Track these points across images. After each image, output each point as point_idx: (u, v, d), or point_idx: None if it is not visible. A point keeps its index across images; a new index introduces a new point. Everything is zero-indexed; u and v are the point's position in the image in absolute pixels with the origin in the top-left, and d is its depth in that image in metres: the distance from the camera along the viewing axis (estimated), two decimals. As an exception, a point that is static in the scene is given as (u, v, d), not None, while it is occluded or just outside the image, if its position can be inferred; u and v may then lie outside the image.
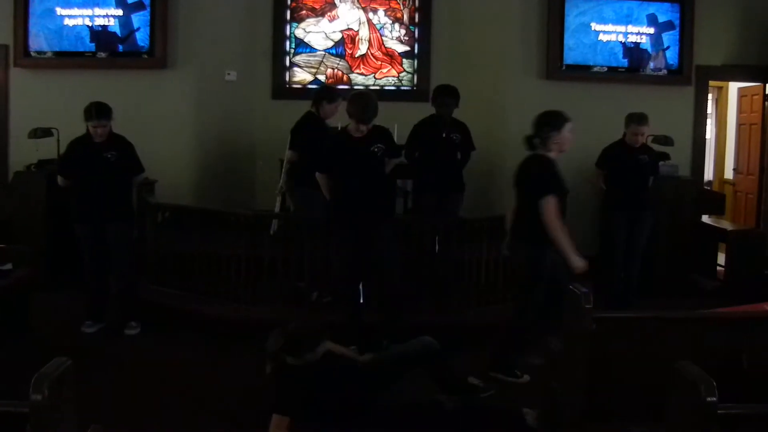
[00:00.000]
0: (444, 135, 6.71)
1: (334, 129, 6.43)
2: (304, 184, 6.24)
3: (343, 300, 5.92)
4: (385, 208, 5.84)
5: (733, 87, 10.48)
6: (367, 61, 9.13)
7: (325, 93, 6.67)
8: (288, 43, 9.15)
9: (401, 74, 9.21)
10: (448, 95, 6.77)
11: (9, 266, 5.83)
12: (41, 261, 6.86)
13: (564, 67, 8.60)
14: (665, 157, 7.79)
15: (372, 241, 5.62)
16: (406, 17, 9.20)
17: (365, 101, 5.59)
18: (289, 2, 9.13)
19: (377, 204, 5.69)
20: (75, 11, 8.48)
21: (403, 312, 5.86)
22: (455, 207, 6.84)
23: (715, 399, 2.43)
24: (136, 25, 8.49)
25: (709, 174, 10.65)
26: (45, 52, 8.51)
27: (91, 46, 8.51)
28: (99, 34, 8.51)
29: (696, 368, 2.56)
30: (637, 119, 6.90)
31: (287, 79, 9.22)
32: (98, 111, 5.99)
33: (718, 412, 2.44)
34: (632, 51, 8.84)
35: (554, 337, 4.13)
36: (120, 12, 8.48)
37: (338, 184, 5.72)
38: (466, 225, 6.50)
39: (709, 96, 9.73)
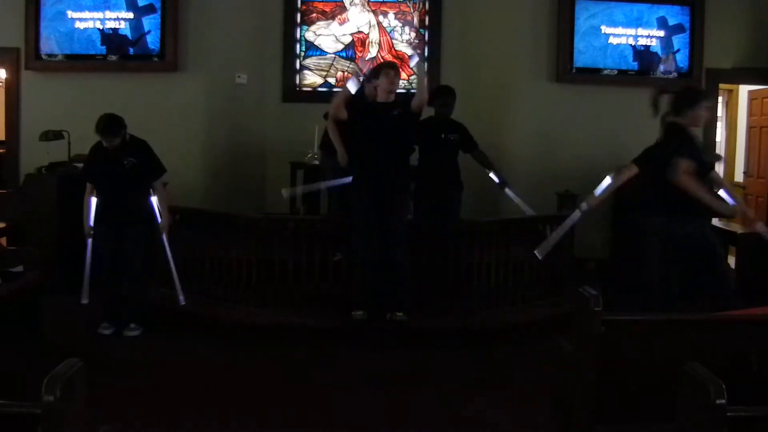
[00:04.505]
0: (443, 135, 6.71)
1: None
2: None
3: (358, 264, 6.15)
4: (403, 174, 6.12)
5: (744, 90, 10.45)
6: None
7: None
8: (298, 46, 9.19)
9: (411, 77, 9.22)
10: (448, 95, 6.77)
11: (20, 268, 5.85)
12: (52, 263, 6.88)
13: (574, 70, 8.60)
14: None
15: (387, 208, 5.94)
16: (416, 20, 9.22)
17: (391, 65, 6.29)
18: (299, 5, 9.17)
19: (396, 169, 6.01)
20: (86, 14, 8.54)
21: (409, 284, 6.13)
22: (455, 207, 6.83)
23: (724, 401, 2.43)
24: (146, 28, 8.53)
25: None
26: (56, 55, 8.55)
27: (102, 49, 8.56)
28: (110, 37, 8.55)
29: (705, 370, 2.56)
30: None
31: (297, 82, 9.26)
32: (106, 128, 5.98)
33: (728, 414, 2.44)
34: (642, 54, 8.83)
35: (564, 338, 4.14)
36: (131, 15, 8.52)
37: (362, 149, 6.06)
38: (476, 227, 6.50)
39: (720, 99, 9.72)
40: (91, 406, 2.44)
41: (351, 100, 6.13)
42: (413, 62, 6.12)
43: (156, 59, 8.56)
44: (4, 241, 7.55)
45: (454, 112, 6.88)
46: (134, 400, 4.82)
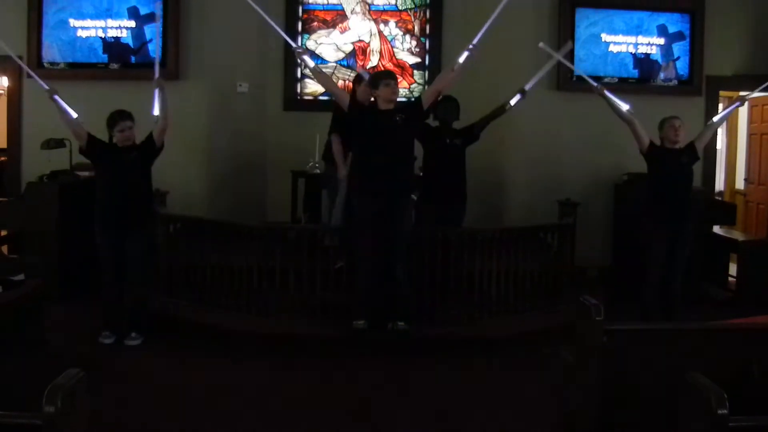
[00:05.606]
0: (448, 141, 6.70)
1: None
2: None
3: (360, 273, 6.13)
4: (405, 181, 6.08)
5: (744, 97, 10.45)
6: (378, 73, 9.17)
7: (354, 78, 7.10)
8: (299, 54, 9.19)
9: (412, 86, 9.24)
10: (451, 103, 6.75)
11: (21, 277, 5.84)
12: (53, 272, 6.88)
13: (574, 78, 8.59)
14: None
15: (389, 216, 5.92)
16: (417, 29, 9.23)
17: (392, 75, 6.21)
18: (300, 14, 9.19)
19: (399, 176, 5.96)
20: (88, 23, 8.57)
21: (410, 294, 6.11)
22: (458, 218, 6.79)
23: (726, 411, 2.42)
24: (148, 36, 8.55)
25: (720, 184, 10.63)
26: (58, 63, 8.57)
27: (104, 58, 8.58)
28: (112, 46, 8.58)
29: (707, 380, 2.56)
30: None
31: (298, 90, 9.27)
32: (121, 113, 6.09)
33: (730, 424, 2.43)
34: (642, 62, 8.85)
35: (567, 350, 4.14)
36: (133, 24, 8.54)
37: (364, 157, 6.01)
38: (477, 236, 6.49)
39: (720, 106, 9.71)
40: (92, 417, 2.44)
41: (355, 107, 6.12)
42: (463, 56, 6.07)
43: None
44: (5, 249, 7.56)
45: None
46: (136, 410, 4.81)
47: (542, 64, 8.48)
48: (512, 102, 6.82)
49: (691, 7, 8.84)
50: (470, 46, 6.03)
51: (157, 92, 6.25)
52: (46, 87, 6.09)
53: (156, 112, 6.24)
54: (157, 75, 6.33)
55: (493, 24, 6.16)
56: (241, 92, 8.92)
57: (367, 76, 6.58)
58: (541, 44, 6.95)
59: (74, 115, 6.07)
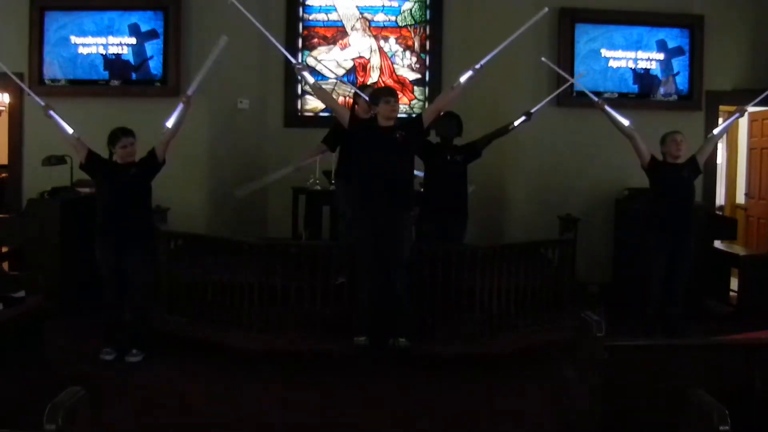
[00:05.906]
0: (449, 157, 6.70)
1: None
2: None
3: (361, 290, 6.12)
4: (405, 197, 6.06)
5: (743, 111, 10.47)
6: (379, 89, 9.18)
7: (354, 94, 7.09)
8: (299, 70, 9.21)
9: (412, 102, 9.25)
10: (451, 119, 6.76)
11: (22, 294, 5.84)
12: (55, 289, 6.87)
13: (574, 94, 8.60)
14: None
15: (390, 233, 5.92)
16: (417, 45, 9.25)
17: (392, 92, 6.21)
18: (300, 30, 9.22)
19: (398, 192, 5.96)
20: (89, 40, 8.61)
21: (411, 310, 6.11)
22: (458, 235, 6.76)
23: (728, 427, 2.42)
24: (149, 53, 8.58)
25: (720, 199, 10.64)
26: (59, 80, 8.61)
27: (105, 74, 8.62)
28: (112, 63, 8.61)
29: (709, 397, 2.56)
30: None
31: (299, 107, 9.29)
32: (123, 130, 6.11)
33: (732, 441, 2.43)
34: (642, 77, 8.87)
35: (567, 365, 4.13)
36: (133, 40, 8.58)
37: (363, 170, 6.01)
38: (478, 252, 6.49)
39: (720, 121, 9.73)
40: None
41: (355, 123, 6.12)
42: (465, 77, 6.09)
43: (158, 84, 8.60)
44: (6, 265, 7.55)
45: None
46: (136, 427, 4.80)
47: (542, 79, 8.55)
48: (516, 123, 6.89)
49: (691, 22, 8.87)
50: (476, 67, 6.04)
51: (180, 107, 6.29)
52: (42, 103, 6.13)
53: (169, 124, 6.24)
54: (190, 93, 6.38)
55: (497, 43, 6.19)
56: (241, 109, 8.94)
57: (362, 95, 6.56)
58: (543, 59, 7.04)
59: (70, 131, 6.12)
